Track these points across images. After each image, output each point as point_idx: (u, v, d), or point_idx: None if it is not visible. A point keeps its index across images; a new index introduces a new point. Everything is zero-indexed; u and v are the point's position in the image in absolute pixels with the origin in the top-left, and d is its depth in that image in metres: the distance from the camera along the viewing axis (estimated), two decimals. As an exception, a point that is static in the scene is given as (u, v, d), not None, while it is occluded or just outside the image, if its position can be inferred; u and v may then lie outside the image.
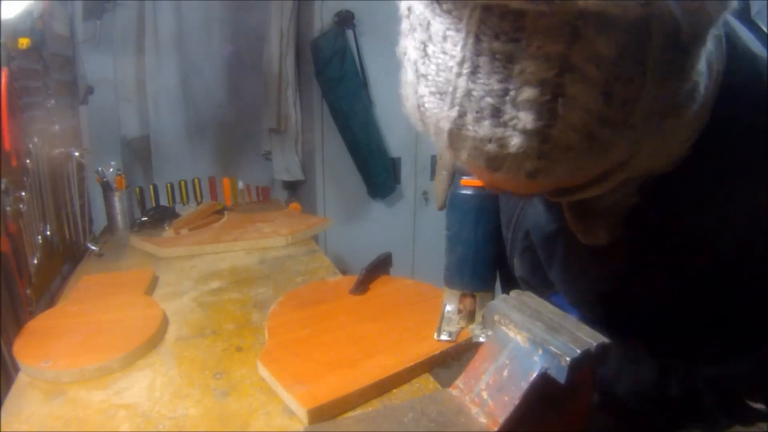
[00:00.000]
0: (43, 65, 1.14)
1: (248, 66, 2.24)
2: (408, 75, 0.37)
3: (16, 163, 0.93)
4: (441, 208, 0.72)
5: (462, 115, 0.33)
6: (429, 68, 0.34)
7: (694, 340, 0.50)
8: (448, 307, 0.77)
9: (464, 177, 0.69)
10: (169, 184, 1.62)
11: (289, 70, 2.15)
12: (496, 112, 0.32)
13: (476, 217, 0.70)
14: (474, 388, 0.53)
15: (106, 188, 1.40)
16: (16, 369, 0.73)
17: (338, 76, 2.01)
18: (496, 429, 0.49)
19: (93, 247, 1.25)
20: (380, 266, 0.96)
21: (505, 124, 0.32)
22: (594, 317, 0.55)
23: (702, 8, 0.30)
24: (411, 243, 2.36)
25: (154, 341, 0.78)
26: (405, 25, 0.36)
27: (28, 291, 0.93)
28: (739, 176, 0.43)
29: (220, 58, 2.23)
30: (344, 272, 1.08)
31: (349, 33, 2.02)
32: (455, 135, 0.35)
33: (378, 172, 2.16)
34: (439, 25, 0.32)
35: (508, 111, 0.31)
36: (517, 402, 0.48)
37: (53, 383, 0.69)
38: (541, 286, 0.64)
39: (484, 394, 0.52)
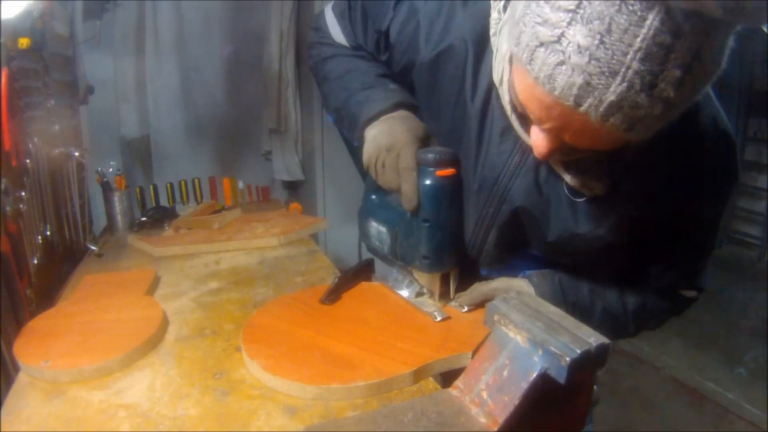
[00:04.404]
0: (43, 65, 1.14)
1: (248, 66, 2.24)
2: (572, 58, 0.46)
3: (16, 163, 0.93)
4: (415, 208, 0.74)
5: (629, 88, 0.45)
6: (604, 53, 0.44)
7: (641, 263, 0.75)
8: (406, 294, 0.84)
9: (438, 169, 0.73)
10: (169, 184, 1.62)
11: (289, 70, 2.15)
12: (652, 86, 0.45)
13: (451, 201, 0.75)
14: (474, 388, 0.53)
15: (106, 188, 1.40)
16: (16, 369, 0.73)
17: (338, 76, 2.00)
18: (496, 429, 0.49)
19: (93, 247, 1.25)
20: (359, 273, 0.93)
21: (653, 95, 0.46)
22: (569, 260, 0.75)
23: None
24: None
25: (154, 341, 0.78)
26: (563, 17, 0.45)
27: (28, 291, 0.93)
28: (674, 159, 0.64)
29: (220, 58, 2.23)
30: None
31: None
32: (613, 105, 0.47)
33: (378, 172, 2.16)
34: (622, 20, 0.43)
35: (660, 85, 0.45)
36: (517, 402, 0.49)
37: (53, 383, 0.69)
38: (508, 252, 0.79)
39: (484, 394, 0.52)
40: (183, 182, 1.63)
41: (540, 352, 0.49)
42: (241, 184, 1.74)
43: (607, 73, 0.45)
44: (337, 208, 2.25)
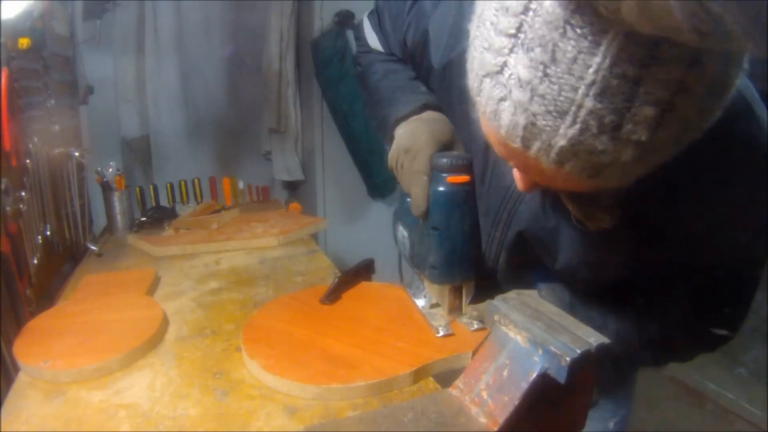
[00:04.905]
0: (43, 65, 1.14)
1: (248, 66, 2.24)
2: (513, 94, 0.37)
3: (16, 163, 0.93)
4: (423, 214, 0.72)
5: (583, 131, 0.36)
6: (549, 88, 0.35)
7: (665, 294, 0.63)
8: (422, 304, 0.81)
9: (450, 175, 0.69)
10: (169, 184, 1.62)
11: (289, 70, 2.15)
12: (616, 128, 0.35)
13: (463, 211, 0.72)
14: (474, 388, 0.53)
15: (106, 188, 1.40)
16: (16, 369, 0.73)
17: (338, 76, 2.01)
18: (496, 429, 0.49)
19: (93, 247, 1.25)
20: (359, 273, 0.93)
21: (620, 138, 0.36)
22: (582, 285, 0.66)
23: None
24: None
25: (153, 341, 0.78)
26: (505, 43, 0.37)
27: (28, 291, 0.93)
28: (718, 186, 0.51)
29: (220, 58, 2.23)
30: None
31: (349, 33, 2.02)
32: (566, 150, 0.38)
33: (378, 172, 2.16)
34: (569, 47, 0.34)
35: (627, 126, 0.35)
36: (517, 402, 0.48)
37: (53, 383, 0.69)
38: (524, 271, 0.72)
39: (484, 394, 0.52)
40: (183, 182, 1.63)
41: (540, 352, 0.49)
42: (241, 184, 1.74)
43: (554, 113, 0.36)
44: (337, 208, 2.25)
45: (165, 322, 0.84)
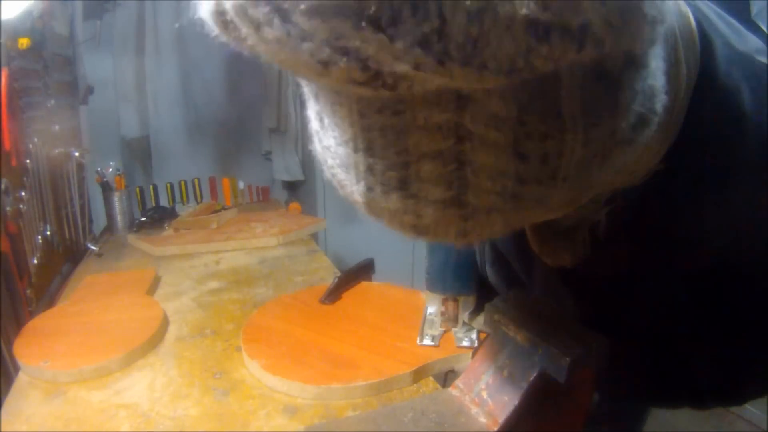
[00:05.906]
0: (43, 65, 1.14)
1: (248, 66, 2.24)
2: (314, 144, 0.33)
3: (16, 163, 0.93)
4: None
5: (370, 189, 0.30)
6: (329, 140, 0.31)
7: (692, 340, 0.49)
8: (430, 310, 0.77)
9: None
10: (169, 184, 1.62)
11: (289, 70, 2.15)
12: (403, 185, 0.29)
13: None
14: (474, 388, 0.53)
15: (106, 188, 1.40)
16: (16, 369, 0.73)
17: (338, 76, 2.00)
18: (496, 429, 0.49)
19: (93, 247, 1.25)
20: (359, 273, 0.93)
21: (415, 196, 0.29)
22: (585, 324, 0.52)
23: (626, 33, 0.21)
24: (411, 243, 2.36)
25: (154, 342, 0.78)
26: (306, 91, 0.32)
27: (28, 291, 0.93)
28: (735, 176, 0.40)
29: (220, 58, 2.23)
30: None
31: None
32: (370, 206, 0.32)
33: (378, 172, 2.15)
34: (325, 98, 0.28)
35: (414, 183, 0.28)
36: (516, 402, 0.48)
37: (53, 383, 0.69)
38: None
39: (484, 394, 0.52)
40: (183, 182, 1.64)
41: (540, 352, 0.49)
42: (241, 184, 1.75)
43: (342, 167, 0.31)
44: (337, 208, 2.25)
45: (165, 322, 0.84)
